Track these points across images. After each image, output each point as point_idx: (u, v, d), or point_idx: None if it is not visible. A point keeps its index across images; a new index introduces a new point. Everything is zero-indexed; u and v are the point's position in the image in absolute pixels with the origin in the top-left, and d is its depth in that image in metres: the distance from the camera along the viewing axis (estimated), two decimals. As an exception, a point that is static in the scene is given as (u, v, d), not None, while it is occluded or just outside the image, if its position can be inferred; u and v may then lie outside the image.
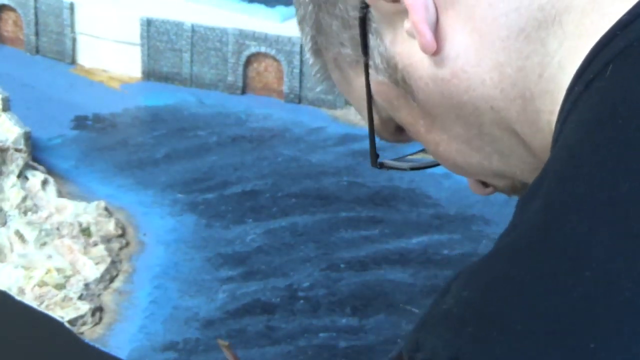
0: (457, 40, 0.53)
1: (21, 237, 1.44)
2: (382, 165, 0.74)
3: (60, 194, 1.77)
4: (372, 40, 0.56)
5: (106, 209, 1.93)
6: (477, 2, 0.52)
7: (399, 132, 0.61)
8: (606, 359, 0.39)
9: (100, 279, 1.59)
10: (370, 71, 0.56)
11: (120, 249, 1.81)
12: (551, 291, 0.42)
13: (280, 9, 2.07)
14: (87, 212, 1.59)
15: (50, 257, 1.39)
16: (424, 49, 0.53)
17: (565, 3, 0.50)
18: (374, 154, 0.68)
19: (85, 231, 1.71)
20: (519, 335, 0.41)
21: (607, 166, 0.43)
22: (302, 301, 1.17)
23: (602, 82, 0.46)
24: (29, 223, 1.44)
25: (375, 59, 0.56)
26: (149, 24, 2.38)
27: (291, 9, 1.68)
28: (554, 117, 0.50)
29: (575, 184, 0.44)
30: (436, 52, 0.53)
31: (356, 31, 0.55)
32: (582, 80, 0.47)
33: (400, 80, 0.56)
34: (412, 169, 0.83)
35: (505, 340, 0.42)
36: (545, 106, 0.51)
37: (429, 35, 0.52)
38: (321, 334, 1.13)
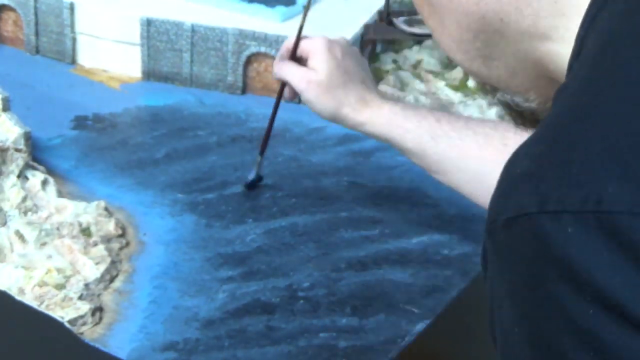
0: None
1: (21, 237, 1.44)
2: (390, 23, 0.91)
3: (60, 194, 1.78)
4: None
5: (106, 209, 1.93)
6: None
7: None
8: None
9: (100, 279, 1.60)
10: None
11: (120, 249, 1.82)
12: (622, 114, 0.44)
13: (280, 9, 2.03)
14: (87, 212, 1.59)
15: (50, 257, 1.39)
16: None
17: None
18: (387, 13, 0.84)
19: (85, 231, 1.71)
20: (598, 156, 0.43)
21: None
22: (302, 301, 1.18)
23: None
24: (29, 223, 1.44)
25: None
26: (149, 24, 2.37)
27: (291, 9, 1.67)
28: (570, 33, 0.51)
29: (618, 52, 0.45)
30: None
31: None
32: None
33: None
34: (412, 34, 1.05)
35: (586, 164, 0.43)
36: (560, 22, 0.52)
37: None
38: (321, 334, 1.13)
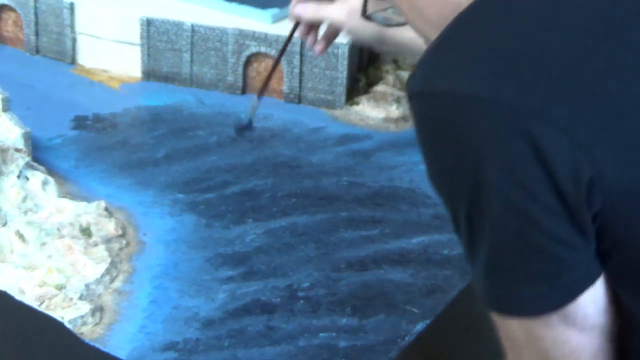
0: None
1: (21, 237, 1.44)
2: (368, 17, 0.99)
3: (60, 194, 1.77)
4: None
5: (106, 209, 1.92)
6: None
7: None
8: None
9: (100, 279, 1.59)
10: None
11: (120, 249, 1.80)
12: (482, 27, 0.62)
13: (272, 11, 2.10)
14: (87, 212, 1.58)
15: (50, 257, 1.39)
16: None
17: None
18: (365, 7, 0.96)
19: (86, 231, 1.71)
20: (461, 62, 0.61)
21: None
22: (302, 301, 1.18)
23: None
24: (29, 223, 1.44)
25: None
26: (149, 24, 2.41)
27: (282, 11, 1.67)
28: None
29: None
30: None
31: None
32: None
33: None
34: (387, 25, 1.09)
35: (453, 65, 0.61)
36: None
37: None
38: (321, 334, 1.14)
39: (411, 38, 1.23)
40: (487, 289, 0.65)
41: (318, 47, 1.26)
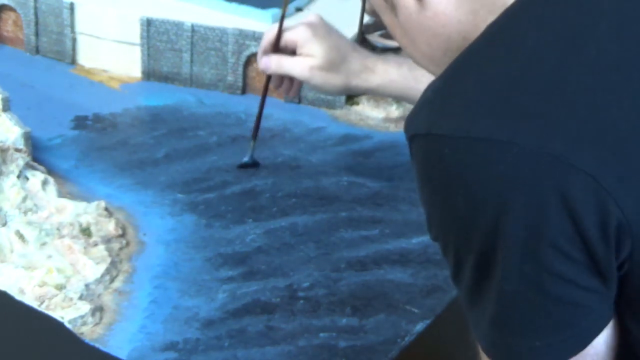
0: None
1: (21, 237, 1.44)
2: (365, 40, 1.02)
3: (60, 194, 1.77)
4: None
5: (106, 209, 1.93)
6: None
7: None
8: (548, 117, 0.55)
9: (100, 279, 1.59)
10: None
11: (120, 249, 1.81)
12: (495, 66, 0.58)
13: (272, 11, 2.02)
14: (87, 212, 1.59)
15: (50, 257, 1.39)
16: None
17: None
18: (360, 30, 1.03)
19: (86, 231, 1.71)
20: (474, 103, 0.57)
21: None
22: (302, 301, 1.19)
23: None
24: (29, 223, 1.45)
25: None
26: (149, 24, 2.36)
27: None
28: None
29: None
30: None
31: None
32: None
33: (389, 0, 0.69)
34: (384, 49, 1.13)
35: (464, 107, 0.58)
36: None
37: None
38: (321, 334, 1.14)
39: (379, 84, 1.21)
40: (495, 340, 0.62)
41: (290, 93, 1.24)
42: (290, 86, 1.26)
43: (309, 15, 1.22)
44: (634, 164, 0.57)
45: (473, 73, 0.59)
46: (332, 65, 1.18)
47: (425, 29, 0.67)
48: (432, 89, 0.61)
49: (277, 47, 1.20)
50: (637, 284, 0.59)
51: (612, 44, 0.59)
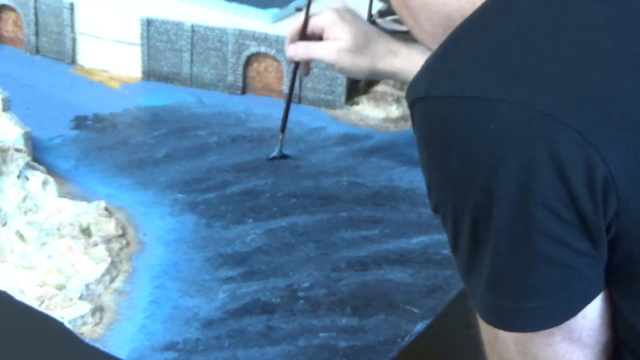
0: None
1: (21, 237, 1.44)
2: (373, 22, 1.09)
3: (60, 194, 1.77)
4: None
5: (106, 209, 1.92)
6: None
7: None
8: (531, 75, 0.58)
9: (100, 279, 1.59)
10: None
11: (121, 249, 1.81)
12: (488, 31, 0.61)
13: (272, 11, 2.00)
14: (87, 212, 1.58)
15: (50, 257, 1.39)
16: None
17: None
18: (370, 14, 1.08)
19: (86, 231, 1.71)
20: (469, 64, 0.60)
21: None
22: (302, 301, 1.18)
23: None
24: (29, 223, 1.44)
25: None
26: (149, 24, 2.35)
27: (283, 11, 1.66)
28: None
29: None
30: None
31: None
32: None
33: None
34: (393, 32, 1.23)
35: (460, 69, 0.60)
36: None
37: None
38: (321, 334, 1.14)
39: (403, 66, 1.23)
40: (489, 303, 0.62)
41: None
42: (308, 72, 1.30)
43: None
44: (620, 121, 0.58)
45: (468, 38, 0.62)
46: (358, 47, 1.21)
47: (427, 6, 0.70)
48: (431, 57, 0.64)
49: (304, 34, 1.23)
50: (626, 249, 0.59)
51: (599, 6, 0.61)
